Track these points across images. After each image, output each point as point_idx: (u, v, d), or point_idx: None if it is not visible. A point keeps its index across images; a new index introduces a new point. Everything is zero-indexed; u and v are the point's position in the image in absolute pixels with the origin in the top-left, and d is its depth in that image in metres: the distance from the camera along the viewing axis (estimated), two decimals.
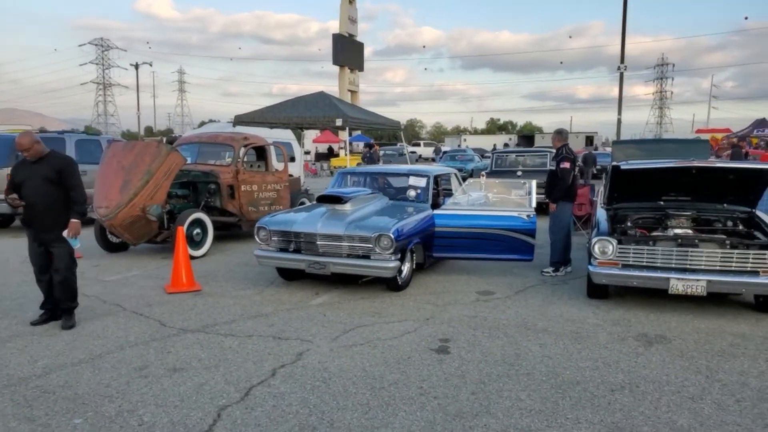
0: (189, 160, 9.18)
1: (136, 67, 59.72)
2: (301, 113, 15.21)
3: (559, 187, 7.13)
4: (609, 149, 27.02)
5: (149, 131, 78.87)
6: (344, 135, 26.30)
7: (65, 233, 4.91)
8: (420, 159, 42.43)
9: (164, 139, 25.43)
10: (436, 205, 7.18)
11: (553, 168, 7.32)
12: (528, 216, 6.69)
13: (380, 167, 9.64)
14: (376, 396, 3.69)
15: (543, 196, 9.48)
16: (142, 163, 7.79)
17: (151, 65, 66.23)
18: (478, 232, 6.76)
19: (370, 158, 21.51)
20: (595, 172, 19.63)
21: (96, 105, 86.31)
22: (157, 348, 4.57)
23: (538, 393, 3.74)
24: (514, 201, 7.49)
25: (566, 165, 7.06)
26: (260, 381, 3.92)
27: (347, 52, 43.02)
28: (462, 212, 6.95)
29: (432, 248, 6.90)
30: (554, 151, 7.60)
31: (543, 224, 7.48)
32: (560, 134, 7.49)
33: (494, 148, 23.97)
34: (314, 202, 7.42)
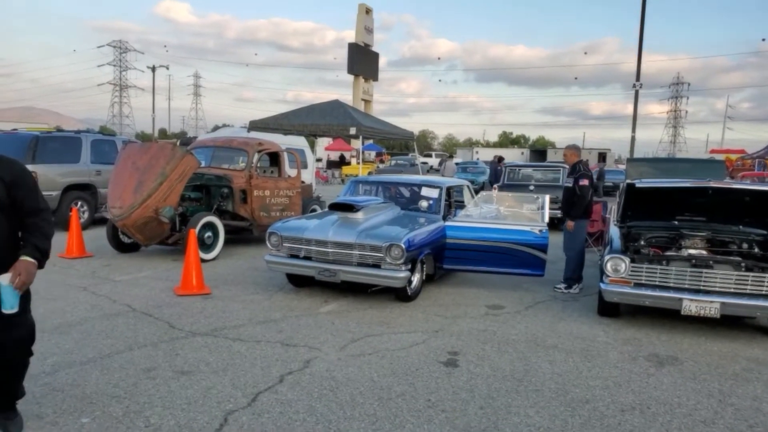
0: (203, 164, 9.24)
1: (153, 69, 60.50)
2: (315, 121, 15.28)
3: (579, 205, 7.03)
4: (621, 166, 26.87)
5: (163, 133, 79.61)
6: (357, 143, 26.37)
7: (4, 278, 2.82)
8: (431, 170, 42.47)
9: (178, 141, 25.56)
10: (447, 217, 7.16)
11: (569, 185, 7.24)
12: (540, 231, 6.64)
13: (392, 177, 9.61)
14: (383, 407, 3.66)
15: (556, 211, 9.43)
16: (157, 165, 7.84)
17: (167, 68, 66.98)
18: (489, 245, 6.71)
19: (496, 174, 17.09)
20: (603, 185, 19.56)
21: (112, 106, 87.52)
22: (165, 350, 4.57)
23: (547, 410, 3.69)
24: (526, 215, 7.45)
25: (586, 182, 6.99)
26: (267, 387, 3.91)
27: (362, 61, 43.20)
28: (474, 225, 6.91)
29: (442, 260, 6.87)
30: (567, 166, 7.54)
31: (555, 239, 7.43)
32: (576, 150, 7.40)
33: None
34: (326, 210, 7.43)
